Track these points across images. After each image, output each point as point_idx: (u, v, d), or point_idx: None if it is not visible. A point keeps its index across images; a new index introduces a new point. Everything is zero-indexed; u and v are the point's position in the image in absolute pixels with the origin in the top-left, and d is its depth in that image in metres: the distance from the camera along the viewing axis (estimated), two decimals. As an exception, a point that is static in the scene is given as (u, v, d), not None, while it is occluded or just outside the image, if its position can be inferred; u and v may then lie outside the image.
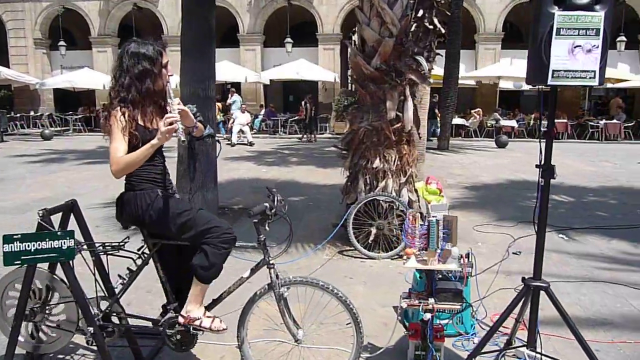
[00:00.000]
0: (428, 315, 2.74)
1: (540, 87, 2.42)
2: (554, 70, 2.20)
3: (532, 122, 19.62)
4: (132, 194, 2.46)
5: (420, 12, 6.83)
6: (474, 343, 3.21)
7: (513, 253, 5.10)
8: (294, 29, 21.62)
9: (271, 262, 2.54)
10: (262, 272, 2.58)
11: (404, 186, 5.09)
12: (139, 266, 2.64)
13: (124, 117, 2.35)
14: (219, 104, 17.51)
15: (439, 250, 2.77)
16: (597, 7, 2.17)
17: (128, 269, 2.68)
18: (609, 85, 20.85)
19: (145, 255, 2.63)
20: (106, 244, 2.66)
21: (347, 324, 2.62)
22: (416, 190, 5.30)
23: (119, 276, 2.66)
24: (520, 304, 2.66)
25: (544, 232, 2.56)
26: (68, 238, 2.49)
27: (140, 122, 2.41)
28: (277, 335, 2.84)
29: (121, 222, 2.61)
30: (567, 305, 3.78)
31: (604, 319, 3.60)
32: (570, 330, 2.50)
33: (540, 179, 2.51)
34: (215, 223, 2.46)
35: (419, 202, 5.32)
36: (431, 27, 5.61)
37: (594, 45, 2.18)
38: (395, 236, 5.08)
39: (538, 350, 2.71)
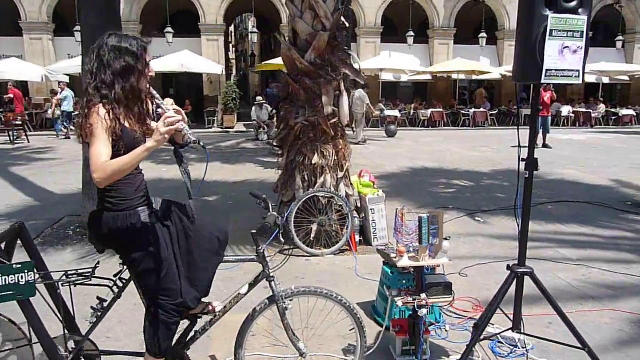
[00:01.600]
0: (424, 311, 2.77)
1: (516, 83, 2.56)
2: (547, 69, 2.32)
3: (412, 111, 20.94)
4: (110, 215, 2.11)
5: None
6: (446, 331, 3.33)
7: (444, 239, 5.37)
8: (175, 18, 20.51)
9: (272, 274, 2.37)
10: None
11: (341, 181, 5.09)
12: (117, 293, 2.29)
13: (109, 115, 2.00)
14: (55, 99, 16.14)
15: (430, 246, 2.81)
16: (581, 10, 2.33)
17: (99, 298, 2.31)
18: (474, 77, 23.10)
19: (124, 281, 2.29)
20: (70, 273, 2.26)
21: (351, 330, 2.54)
22: (352, 184, 5.36)
23: (93, 308, 2.28)
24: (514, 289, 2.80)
25: (527, 221, 2.72)
26: (26, 271, 2.08)
27: (125, 124, 2.07)
28: (276, 352, 2.67)
29: (96, 245, 2.24)
30: (553, 288, 4.11)
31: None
32: (553, 309, 2.69)
33: (524, 171, 2.63)
34: (172, 290, 2.19)
35: (355, 196, 5.40)
36: (347, 23, 5.71)
37: (579, 47, 2.34)
38: (335, 231, 5.08)
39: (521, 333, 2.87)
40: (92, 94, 2.05)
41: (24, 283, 2.06)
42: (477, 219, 6.23)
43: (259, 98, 16.41)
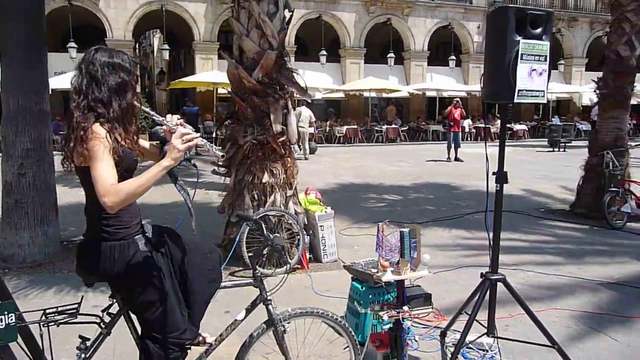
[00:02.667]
0: (408, 323, 2.83)
1: (484, 101, 2.76)
2: (519, 90, 2.52)
3: (327, 128, 21.41)
4: (107, 245, 1.95)
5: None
6: (416, 341, 3.41)
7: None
8: (79, 32, 19.32)
9: (269, 297, 2.31)
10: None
11: (290, 199, 5.09)
12: (107, 330, 2.10)
13: (110, 135, 1.86)
14: None
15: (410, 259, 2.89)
16: (544, 37, 2.57)
17: (81, 337, 2.11)
18: (384, 95, 24.21)
19: (112, 315, 2.11)
20: (49, 311, 2.05)
21: (345, 348, 2.54)
22: (300, 202, 5.36)
23: (79, 348, 2.07)
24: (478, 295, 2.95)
25: (499, 232, 2.90)
26: (7, 313, 1.86)
27: (123, 143, 1.94)
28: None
29: (87, 278, 2.05)
30: (460, 291, 4.35)
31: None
32: (525, 311, 2.89)
33: (495, 184, 2.81)
34: (178, 328, 2.08)
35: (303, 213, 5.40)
36: None
37: (544, 69, 2.58)
38: (285, 250, 5.04)
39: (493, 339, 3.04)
40: (82, 114, 1.89)
41: (3, 326, 1.83)
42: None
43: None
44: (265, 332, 2.32)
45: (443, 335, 3.49)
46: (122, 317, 2.11)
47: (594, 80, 7.43)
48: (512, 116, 26.92)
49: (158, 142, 2.21)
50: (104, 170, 1.80)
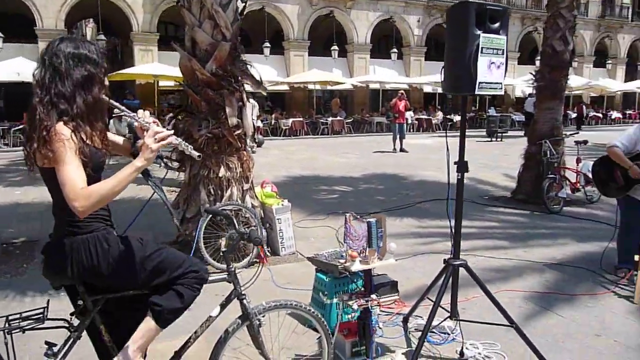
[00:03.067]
0: (377, 310, 2.90)
1: (449, 94, 2.85)
2: (479, 82, 2.62)
3: (273, 121, 21.28)
4: (79, 239, 1.86)
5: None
6: (380, 328, 3.49)
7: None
8: (5, 22, 18.06)
9: (243, 292, 2.29)
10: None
11: (247, 193, 5.04)
12: (76, 333, 2.01)
13: (75, 135, 1.77)
14: None
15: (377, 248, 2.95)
16: (501, 31, 2.68)
17: (48, 343, 2.01)
18: (328, 87, 24.36)
19: (82, 317, 2.02)
20: (13, 317, 1.94)
21: (318, 338, 2.57)
22: (256, 195, 5.32)
23: (47, 355, 1.97)
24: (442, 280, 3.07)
25: (460, 219, 3.01)
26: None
27: (89, 142, 1.85)
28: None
29: (54, 280, 1.94)
30: (418, 278, 4.49)
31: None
32: (485, 294, 3.03)
33: (457, 172, 2.92)
34: (189, 262, 2.09)
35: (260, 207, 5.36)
36: None
37: (501, 63, 2.70)
38: (243, 244, 4.99)
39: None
40: (45, 110, 1.78)
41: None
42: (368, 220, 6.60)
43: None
44: (241, 326, 2.30)
45: (405, 321, 3.61)
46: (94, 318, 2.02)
47: (531, 73, 7.83)
48: (452, 108, 27.91)
49: (130, 135, 2.13)
50: (72, 174, 1.72)
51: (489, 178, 9.86)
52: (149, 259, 1.99)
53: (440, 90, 25.37)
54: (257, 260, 5.03)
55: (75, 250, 1.86)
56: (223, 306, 2.29)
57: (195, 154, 1.95)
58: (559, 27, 7.26)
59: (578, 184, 7.42)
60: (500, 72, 2.70)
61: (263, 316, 2.34)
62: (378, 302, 2.91)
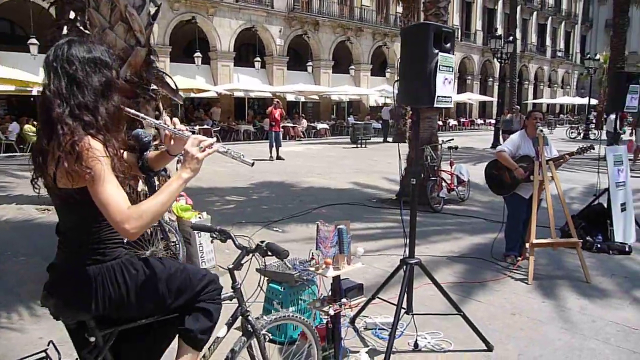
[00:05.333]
0: (351, 314, 3.00)
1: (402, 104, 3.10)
2: (438, 96, 2.91)
3: (135, 130, 19.99)
4: (104, 267, 1.67)
5: (72, 15, 6.39)
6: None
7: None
8: None
9: (248, 308, 2.25)
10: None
11: (164, 207, 4.76)
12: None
13: (107, 149, 1.60)
14: None
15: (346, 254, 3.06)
16: (451, 51, 3.01)
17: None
18: (192, 95, 23.64)
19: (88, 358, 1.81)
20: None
21: (309, 347, 2.59)
22: (171, 209, 5.05)
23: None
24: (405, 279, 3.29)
25: (415, 219, 3.27)
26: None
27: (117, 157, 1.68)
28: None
29: (70, 317, 1.71)
30: (376, 276, 4.64)
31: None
32: (437, 288, 3.34)
33: (411, 178, 3.17)
34: (205, 272, 2.02)
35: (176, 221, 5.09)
36: (87, 31, 5.49)
37: (452, 79, 3.02)
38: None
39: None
40: (67, 124, 1.58)
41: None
42: (274, 229, 6.66)
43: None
44: (247, 343, 2.25)
45: (352, 322, 3.77)
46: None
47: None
48: (313, 116, 29.05)
49: (135, 148, 1.96)
50: (114, 193, 1.55)
51: (370, 182, 10.54)
52: (173, 278, 1.87)
53: (303, 99, 26.36)
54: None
55: (102, 281, 1.66)
56: (230, 325, 2.21)
57: (249, 161, 1.87)
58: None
59: (453, 185, 8.35)
60: (451, 87, 3.02)
61: (267, 330, 2.31)
62: (350, 306, 3.02)
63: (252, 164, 1.88)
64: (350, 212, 7.62)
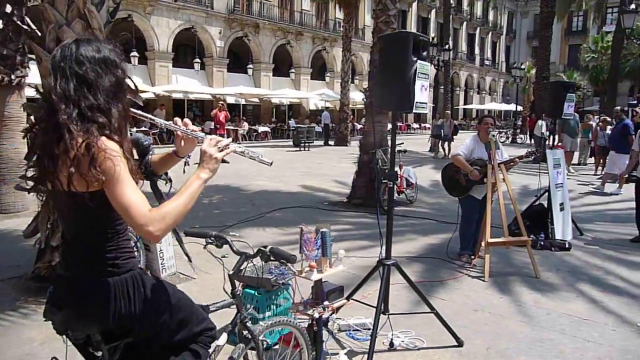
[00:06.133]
0: (334, 316, 3.03)
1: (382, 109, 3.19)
2: (416, 102, 3.02)
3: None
4: (118, 280, 1.60)
5: (9, 9, 6.08)
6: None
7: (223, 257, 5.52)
8: None
9: (248, 315, 2.23)
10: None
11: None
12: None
13: (123, 150, 1.54)
14: None
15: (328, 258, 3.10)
16: (427, 59, 3.13)
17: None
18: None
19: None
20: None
21: (300, 350, 2.60)
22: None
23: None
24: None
25: (391, 221, 3.36)
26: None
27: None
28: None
29: (84, 331, 1.63)
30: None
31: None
32: (412, 287, 3.44)
33: (388, 181, 3.27)
34: (208, 320, 1.98)
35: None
36: (25, 26, 5.28)
37: (427, 86, 3.14)
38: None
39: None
40: (78, 126, 1.50)
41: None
42: (231, 234, 6.56)
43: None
44: (245, 350, 2.22)
45: (325, 324, 3.80)
46: None
47: (361, 91, 8.78)
48: (254, 119, 28.84)
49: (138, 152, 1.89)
50: (134, 196, 1.50)
51: (318, 185, 10.63)
52: (178, 308, 1.80)
53: (243, 101, 26.07)
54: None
55: (117, 294, 1.60)
56: (230, 332, 2.18)
57: (268, 161, 1.85)
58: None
59: (402, 187, 8.61)
60: (427, 93, 3.14)
61: (264, 335, 2.30)
62: (332, 308, 3.06)
63: (271, 164, 1.88)
64: (303, 215, 7.65)
